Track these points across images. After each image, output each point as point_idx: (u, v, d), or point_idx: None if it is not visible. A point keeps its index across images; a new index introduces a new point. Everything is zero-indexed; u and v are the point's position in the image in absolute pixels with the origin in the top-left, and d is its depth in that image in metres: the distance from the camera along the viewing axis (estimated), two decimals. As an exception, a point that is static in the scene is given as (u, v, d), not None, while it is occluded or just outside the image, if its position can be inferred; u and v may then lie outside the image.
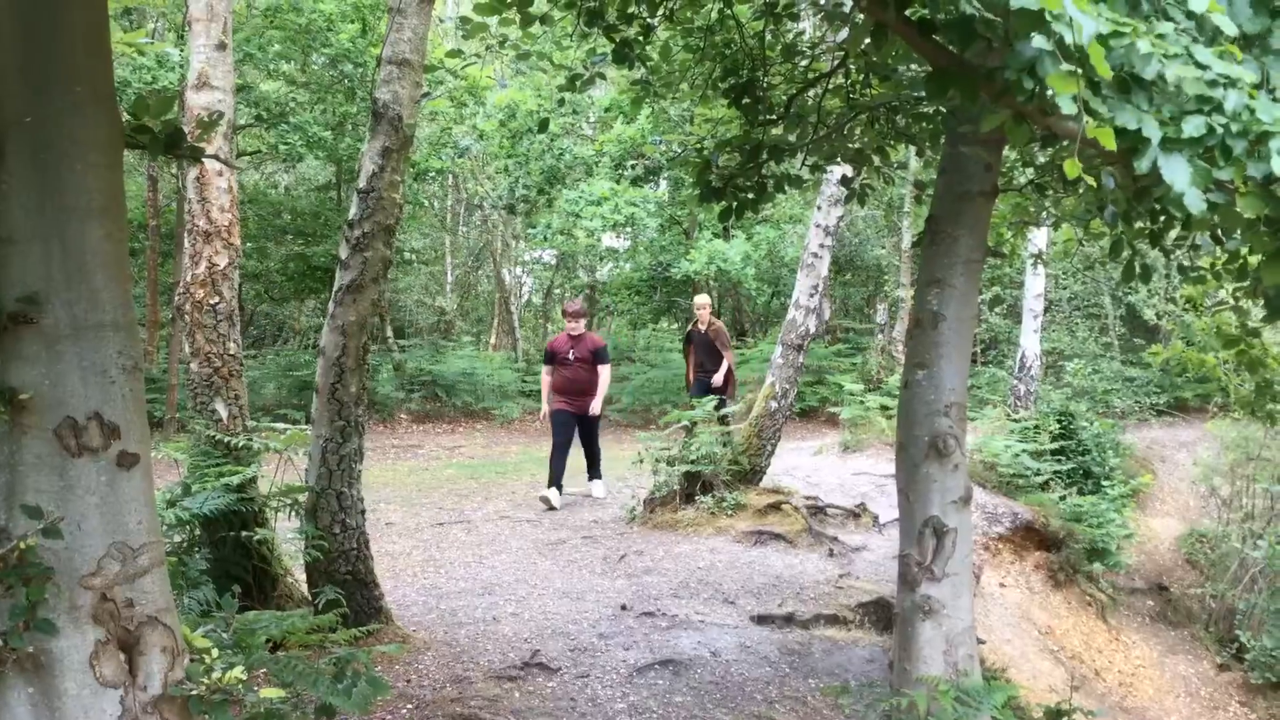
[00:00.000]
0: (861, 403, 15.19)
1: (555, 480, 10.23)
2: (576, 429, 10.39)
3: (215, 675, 2.62)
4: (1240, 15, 2.70)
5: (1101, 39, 2.18)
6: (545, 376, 10.44)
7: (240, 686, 2.65)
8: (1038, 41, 2.20)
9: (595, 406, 10.35)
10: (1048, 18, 2.16)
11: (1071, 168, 2.34)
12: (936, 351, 4.07)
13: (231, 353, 5.62)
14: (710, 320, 11.89)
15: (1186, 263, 5.39)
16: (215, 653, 2.73)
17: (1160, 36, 2.29)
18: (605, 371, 10.37)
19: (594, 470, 10.92)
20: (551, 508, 10.01)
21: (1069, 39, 2.15)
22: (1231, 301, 5.98)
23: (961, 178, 4.08)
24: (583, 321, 10.51)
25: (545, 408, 10.42)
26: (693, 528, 8.97)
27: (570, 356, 10.16)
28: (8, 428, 2.38)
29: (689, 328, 12.56)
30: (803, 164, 5.32)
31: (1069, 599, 11.25)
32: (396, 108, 5.38)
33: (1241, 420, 13.37)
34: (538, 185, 19.45)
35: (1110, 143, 2.23)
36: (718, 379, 11.59)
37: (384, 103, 5.38)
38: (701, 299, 12.33)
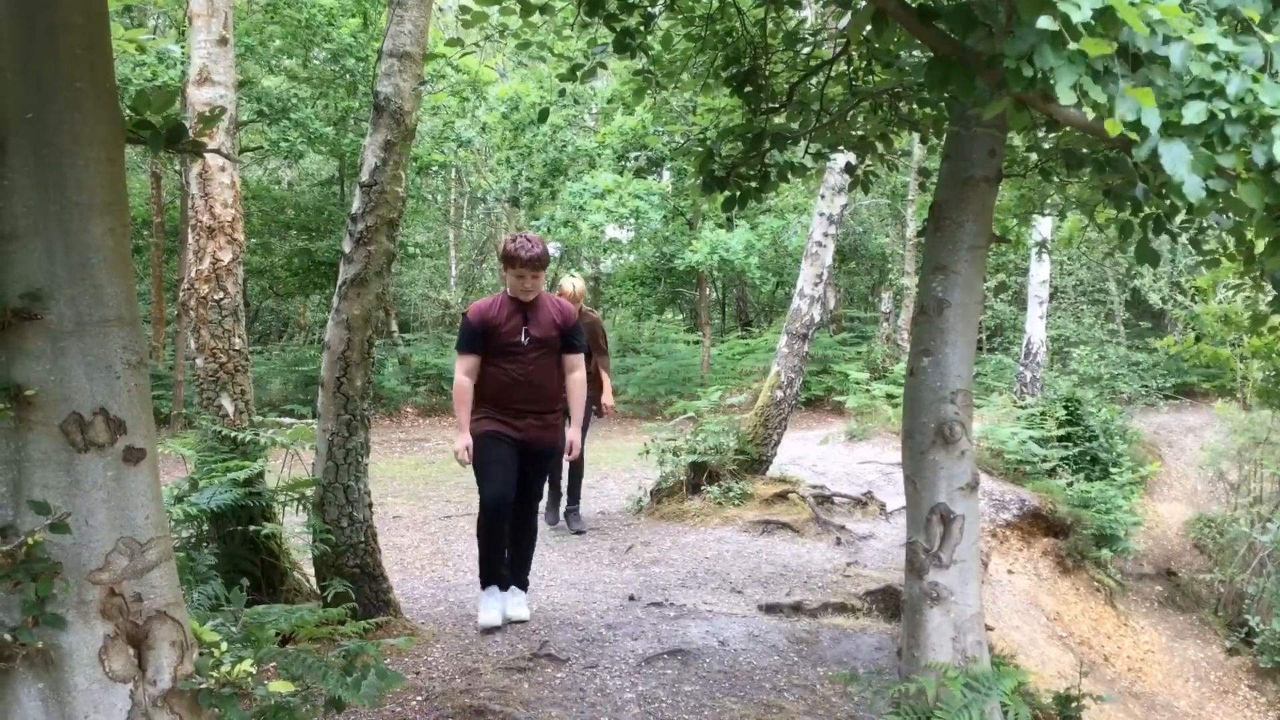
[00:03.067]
0: (867, 391, 15.20)
1: (493, 575, 5.89)
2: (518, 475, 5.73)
3: (225, 669, 2.63)
4: (1244, -1, 2.69)
5: (1109, 10, 2.16)
6: (462, 376, 5.65)
7: (250, 680, 2.66)
8: (1043, 22, 2.18)
9: (574, 435, 6.06)
10: (1053, -2, 2.15)
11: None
12: (942, 338, 4.06)
13: (237, 348, 5.63)
14: (583, 309, 8.09)
15: (1193, 249, 5.38)
16: (224, 646, 2.74)
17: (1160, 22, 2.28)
18: (579, 366, 5.89)
19: (521, 567, 6.06)
20: (494, 629, 5.72)
21: (1075, 18, 2.13)
22: (1249, 284, 5.96)
23: (965, 164, 4.06)
24: (541, 278, 5.63)
25: (464, 438, 5.66)
26: (699, 518, 8.98)
27: (522, 339, 5.56)
28: (13, 424, 2.38)
29: None
30: (806, 152, 5.31)
31: (1077, 585, 11.25)
32: (398, 101, 5.37)
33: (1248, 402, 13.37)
34: (541, 178, 19.46)
35: (1115, 130, 2.22)
36: (608, 399, 8.51)
37: (385, 96, 5.37)
38: (569, 282, 8.51)
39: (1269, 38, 2.50)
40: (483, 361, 5.64)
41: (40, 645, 2.38)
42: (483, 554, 5.85)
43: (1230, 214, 3.85)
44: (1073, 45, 2.17)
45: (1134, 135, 2.25)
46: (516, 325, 5.57)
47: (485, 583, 5.90)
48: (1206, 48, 2.32)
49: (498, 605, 5.84)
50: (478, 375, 5.65)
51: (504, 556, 5.90)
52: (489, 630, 5.69)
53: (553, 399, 5.76)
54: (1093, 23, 2.16)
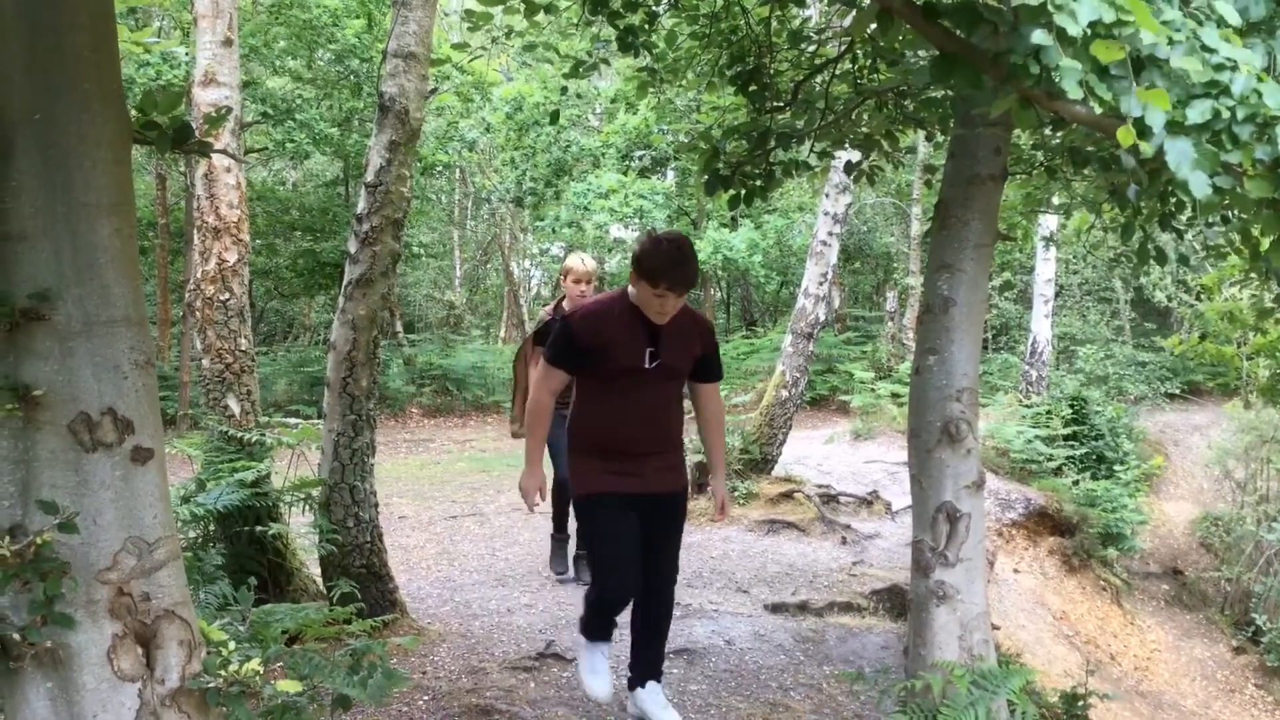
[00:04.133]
0: (872, 390, 15.20)
1: (604, 630, 4.38)
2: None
3: (232, 668, 2.63)
4: None
5: (1104, 26, 2.17)
6: (546, 395, 4.26)
7: (257, 679, 2.66)
8: (1038, 36, 2.19)
9: (720, 489, 4.61)
10: (1050, 8, 2.15)
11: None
12: (947, 337, 4.05)
13: (243, 348, 5.64)
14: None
15: (1199, 245, 5.39)
16: (232, 646, 2.74)
17: (1166, 22, 2.28)
18: (717, 397, 4.52)
19: (655, 653, 4.44)
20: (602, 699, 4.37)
21: (1071, 30, 2.14)
22: (1254, 281, 5.96)
23: (970, 161, 4.06)
24: (684, 298, 4.17)
25: (535, 476, 4.28)
26: (705, 517, 8.98)
27: (645, 362, 4.13)
28: (21, 424, 2.39)
29: (543, 317, 6.85)
30: (810, 150, 5.31)
31: (1083, 584, 11.24)
32: (403, 101, 5.38)
33: (1257, 404, 13.35)
34: (545, 178, 19.46)
35: (1128, 139, 2.22)
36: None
37: (390, 96, 5.38)
38: (577, 260, 6.36)
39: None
40: (580, 385, 4.27)
41: (49, 644, 2.39)
42: (588, 620, 4.37)
43: (1236, 213, 3.85)
44: (1078, 35, 2.17)
45: (1140, 140, 2.26)
46: (641, 345, 4.11)
47: (592, 636, 4.37)
48: (1208, 50, 2.32)
49: (605, 668, 4.36)
50: (586, 406, 4.27)
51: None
52: (598, 699, 4.35)
53: (675, 437, 4.40)
54: (1088, 32, 2.17)
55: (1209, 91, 2.31)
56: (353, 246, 5.45)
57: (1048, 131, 4.62)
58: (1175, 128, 2.26)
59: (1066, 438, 12.95)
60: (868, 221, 23.53)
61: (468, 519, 9.41)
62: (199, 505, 4.89)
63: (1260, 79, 2.28)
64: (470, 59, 13.27)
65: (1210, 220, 4.80)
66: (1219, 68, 2.30)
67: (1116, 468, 12.77)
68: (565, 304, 6.39)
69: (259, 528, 5.24)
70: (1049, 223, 13.89)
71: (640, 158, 18.74)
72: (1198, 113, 2.25)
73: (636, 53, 4.71)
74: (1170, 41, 2.24)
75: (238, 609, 3.55)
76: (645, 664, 4.39)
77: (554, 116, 7.56)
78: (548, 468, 4.69)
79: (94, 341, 2.44)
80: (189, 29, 7.32)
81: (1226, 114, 2.27)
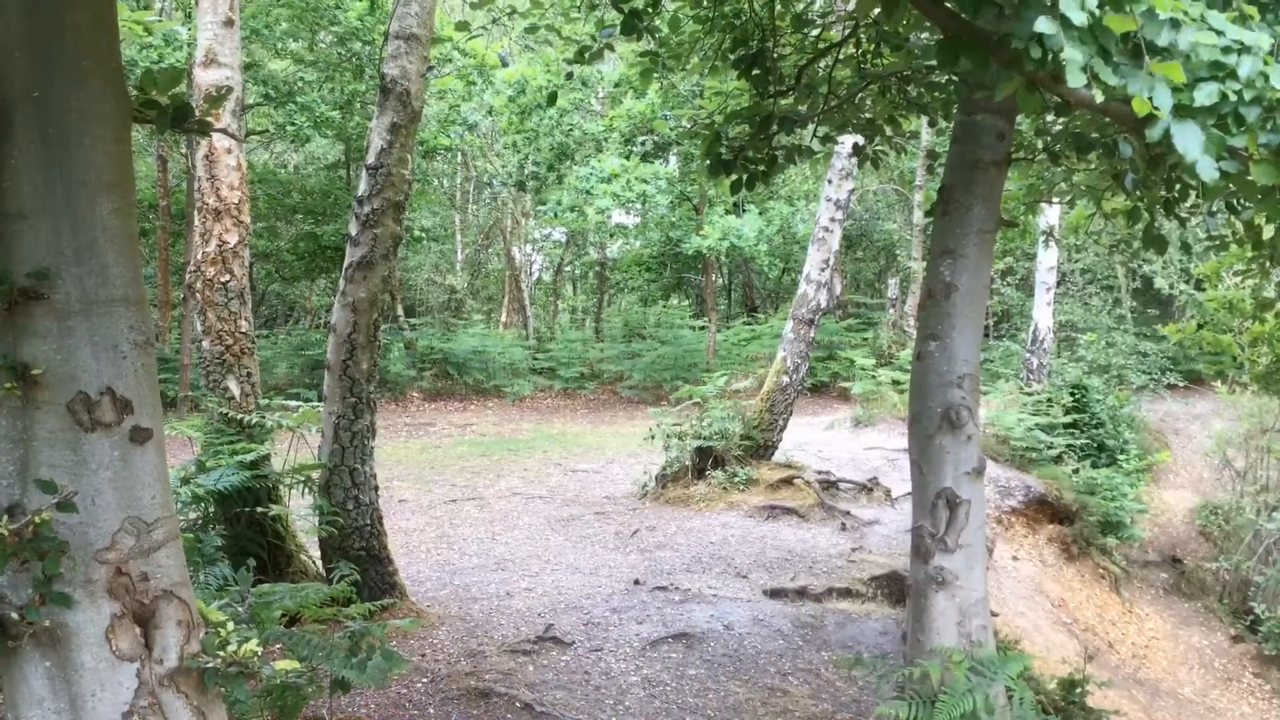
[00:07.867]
0: (873, 377, 15.18)
1: None
2: None
3: (231, 648, 2.63)
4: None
5: (1115, 3, 2.15)
6: None
7: (256, 659, 2.66)
8: (1041, 24, 2.17)
9: None
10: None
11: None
12: (949, 322, 4.04)
13: (243, 330, 5.63)
14: None
15: (1202, 234, 5.37)
16: (231, 626, 2.74)
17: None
18: None
19: None
20: None
21: (1076, 20, 2.12)
22: (1255, 270, 5.94)
23: (974, 146, 4.04)
24: None
25: None
26: (705, 503, 8.99)
27: None
28: (20, 403, 2.38)
29: None
30: (813, 135, 5.28)
31: (1082, 572, 11.25)
32: (404, 83, 5.35)
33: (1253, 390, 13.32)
34: (547, 162, 19.39)
35: (1144, 108, 2.20)
36: None
37: (392, 78, 5.35)
38: None
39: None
40: None
41: (47, 624, 2.38)
42: None
43: (1240, 201, 3.83)
44: (1083, 24, 2.15)
45: (1145, 125, 2.24)
46: None
47: None
48: (1216, 32, 2.31)
49: None
50: None
51: None
52: None
53: None
54: (1096, 14, 2.15)
55: (1215, 75, 2.29)
56: (354, 229, 5.44)
57: (1050, 118, 4.61)
58: (1182, 110, 2.25)
59: (1067, 426, 12.93)
60: (870, 208, 23.47)
61: (467, 503, 9.42)
62: (199, 486, 4.89)
63: (1267, 62, 2.26)
64: (470, 38, 13.20)
65: (1213, 208, 4.78)
66: (1226, 50, 2.28)
67: (1119, 457, 12.76)
68: None
69: (259, 510, 5.24)
70: (1050, 214, 13.84)
71: (643, 143, 18.66)
72: (1205, 94, 2.23)
73: (640, 36, 4.68)
74: (1177, 24, 2.22)
75: (237, 590, 3.56)
76: None
77: (551, 98, 7.52)
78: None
79: (93, 321, 2.43)
80: (190, 9, 7.28)
81: (1233, 97, 2.25)
